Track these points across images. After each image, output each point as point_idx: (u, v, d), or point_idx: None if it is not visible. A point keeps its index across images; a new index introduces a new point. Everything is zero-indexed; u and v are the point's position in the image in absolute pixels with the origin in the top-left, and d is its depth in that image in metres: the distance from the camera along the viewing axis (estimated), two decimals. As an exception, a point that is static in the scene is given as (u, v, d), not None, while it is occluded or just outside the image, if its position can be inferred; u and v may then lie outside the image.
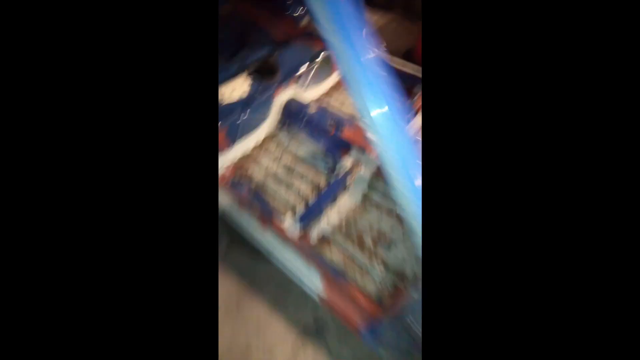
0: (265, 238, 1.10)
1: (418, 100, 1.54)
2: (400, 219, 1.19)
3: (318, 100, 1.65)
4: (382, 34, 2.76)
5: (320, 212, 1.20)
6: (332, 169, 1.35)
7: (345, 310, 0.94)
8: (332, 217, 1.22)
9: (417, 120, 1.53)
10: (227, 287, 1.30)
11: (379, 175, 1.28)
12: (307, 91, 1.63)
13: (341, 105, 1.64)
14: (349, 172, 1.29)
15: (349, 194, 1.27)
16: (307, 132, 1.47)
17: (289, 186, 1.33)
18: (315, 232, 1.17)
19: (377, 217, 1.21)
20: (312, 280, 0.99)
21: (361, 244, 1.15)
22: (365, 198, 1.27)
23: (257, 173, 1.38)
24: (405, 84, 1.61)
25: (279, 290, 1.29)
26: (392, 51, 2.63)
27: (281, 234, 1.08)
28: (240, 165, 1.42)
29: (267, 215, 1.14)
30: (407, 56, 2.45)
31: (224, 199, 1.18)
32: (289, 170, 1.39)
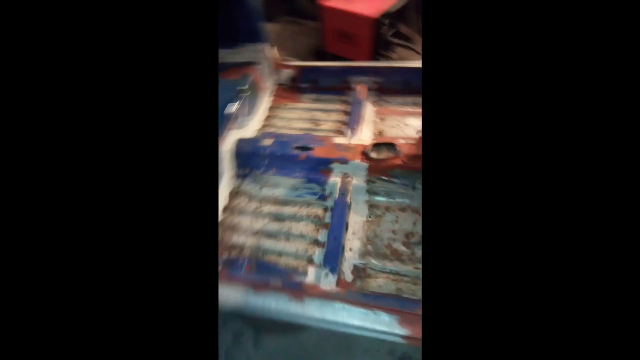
0: (302, 309, 0.90)
1: (362, 90, 1.50)
2: (416, 209, 1.12)
3: (265, 129, 1.48)
4: (287, 41, 2.73)
5: (338, 244, 1.05)
6: (322, 195, 1.21)
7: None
8: (352, 243, 1.08)
9: (369, 108, 1.49)
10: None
11: (372, 176, 1.18)
12: (249, 126, 1.44)
13: (291, 122, 1.51)
14: (343, 189, 1.17)
15: (354, 211, 1.15)
16: (275, 170, 1.29)
17: (288, 236, 1.14)
18: (347, 270, 1.01)
19: (393, 219, 1.12)
20: (380, 323, 0.84)
21: (396, 255, 1.04)
22: (372, 206, 1.16)
23: (244, 239, 1.15)
24: (339, 76, 1.56)
25: (342, 353, 1.09)
26: (303, 53, 2.61)
27: (317, 294, 0.90)
28: (220, 239, 1.17)
29: (287, 280, 0.94)
30: (320, 55, 2.46)
31: (231, 294, 0.92)
32: (278, 218, 1.20)
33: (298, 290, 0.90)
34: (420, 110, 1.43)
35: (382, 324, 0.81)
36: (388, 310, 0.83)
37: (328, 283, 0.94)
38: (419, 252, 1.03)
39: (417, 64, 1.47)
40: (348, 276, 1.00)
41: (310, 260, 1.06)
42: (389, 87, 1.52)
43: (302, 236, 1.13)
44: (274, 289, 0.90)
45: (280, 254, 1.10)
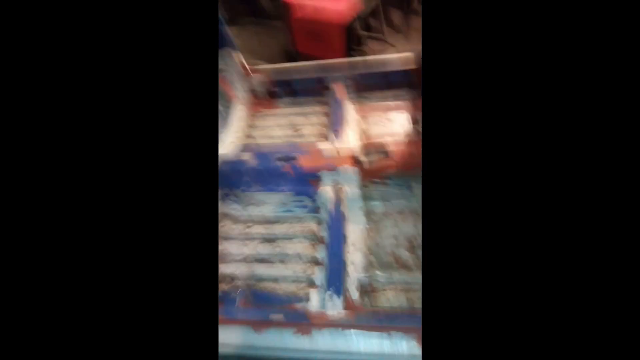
0: (311, 344, 0.80)
1: (340, 90, 1.42)
2: (414, 210, 1.06)
3: (241, 142, 1.36)
4: (252, 44, 2.58)
5: (339, 261, 0.96)
6: (314, 208, 1.11)
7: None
8: (354, 257, 1.00)
9: (349, 107, 1.41)
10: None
11: (364, 181, 1.11)
12: (223, 140, 1.32)
13: (269, 131, 1.39)
14: (336, 199, 1.08)
15: (350, 221, 1.07)
16: (259, 186, 1.18)
17: (283, 258, 1.04)
18: (352, 287, 0.93)
19: (393, 224, 1.05)
20: (398, 347, 0.76)
21: (401, 262, 0.98)
22: (368, 213, 1.09)
23: (233, 269, 1.03)
24: (314, 77, 1.47)
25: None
26: (271, 55, 2.47)
27: (324, 323, 0.81)
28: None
29: (289, 311, 0.84)
30: (290, 56, 2.34)
31: (229, 337, 0.81)
32: (268, 239, 1.09)
33: (303, 322, 0.81)
34: (402, 103, 1.38)
35: (401, 348, 0.73)
36: (404, 330, 0.76)
37: (334, 307, 0.86)
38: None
39: (395, 56, 1.41)
40: (354, 294, 0.92)
41: (311, 283, 0.96)
42: (367, 83, 1.45)
43: (298, 256, 1.03)
44: (277, 325, 0.80)
45: (276, 279, 1.00)
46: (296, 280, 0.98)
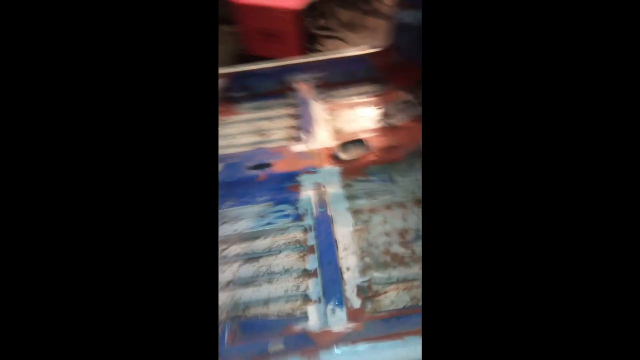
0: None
1: (306, 89, 1.35)
2: (401, 203, 1.03)
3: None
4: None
5: (334, 268, 0.88)
6: (297, 215, 1.02)
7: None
8: (348, 261, 0.93)
9: (317, 106, 1.36)
10: None
11: (347, 179, 1.05)
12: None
13: (234, 139, 1.27)
14: (320, 203, 1.00)
15: (338, 224, 1.00)
16: (233, 200, 1.05)
17: (270, 277, 0.92)
18: (352, 295, 0.86)
19: (382, 221, 1.01)
20: (415, 351, 0.71)
21: (397, 259, 0.93)
22: (355, 213, 1.03)
23: (220, 294, 0.89)
24: (275, 78, 1.39)
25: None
26: (222, 60, 2.32)
27: (332, 340, 0.72)
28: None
29: (288, 336, 0.74)
30: (243, 59, 2.21)
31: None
32: (251, 258, 0.96)
33: (308, 346, 0.71)
34: (371, 99, 1.36)
35: (418, 352, 0.68)
36: (417, 332, 0.70)
37: (338, 321, 0.77)
38: (418, 249, 0.94)
39: (357, 52, 1.40)
40: (355, 302, 0.84)
41: (306, 299, 0.87)
42: (332, 80, 1.41)
43: (286, 271, 0.93)
44: (278, 356, 0.69)
45: (266, 302, 0.88)
46: (289, 299, 0.88)
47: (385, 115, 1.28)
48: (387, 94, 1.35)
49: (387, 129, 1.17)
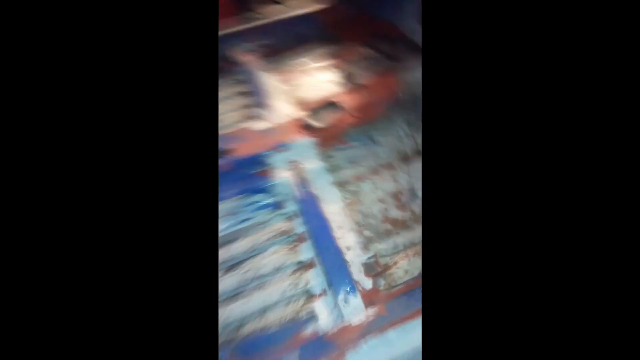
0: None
1: (252, 60, 1.15)
2: (387, 164, 0.93)
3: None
4: None
5: (335, 252, 0.76)
6: (277, 203, 0.86)
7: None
8: (346, 240, 0.80)
9: (270, 77, 1.18)
10: None
11: (325, 149, 0.91)
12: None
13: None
14: (301, 183, 0.85)
15: (325, 202, 0.86)
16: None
17: (262, 282, 0.76)
18: (360, 276, 0.74)
19: (372, 187, 0.90)
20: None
21: (398, 223, 0.84)
22: (341, 185, 0.90)
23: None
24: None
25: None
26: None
27: (356, 335, 0.60)
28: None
29: (300, 345, 0.60)
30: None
31: None
32: (234, 265, 0.78)
33: (329, 350, 0.57)
34: (329, 61, 1.22)
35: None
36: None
37: (355, 310, 0.65)
38: (417, 208, 0.85)
39: (302, 11, 1.23)
40: (366, 283, 0.73)
41: (308, 294, 0.73)
42: (282, 46, 1.23)
43: (278, 270, 0.77)
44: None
45: (262, 312, 0.72)
46: (289, 301, 0.73)
47: (349, 76, 1.15)
48: (344, 52, 1.22)
49: (355, 89, 1.05)
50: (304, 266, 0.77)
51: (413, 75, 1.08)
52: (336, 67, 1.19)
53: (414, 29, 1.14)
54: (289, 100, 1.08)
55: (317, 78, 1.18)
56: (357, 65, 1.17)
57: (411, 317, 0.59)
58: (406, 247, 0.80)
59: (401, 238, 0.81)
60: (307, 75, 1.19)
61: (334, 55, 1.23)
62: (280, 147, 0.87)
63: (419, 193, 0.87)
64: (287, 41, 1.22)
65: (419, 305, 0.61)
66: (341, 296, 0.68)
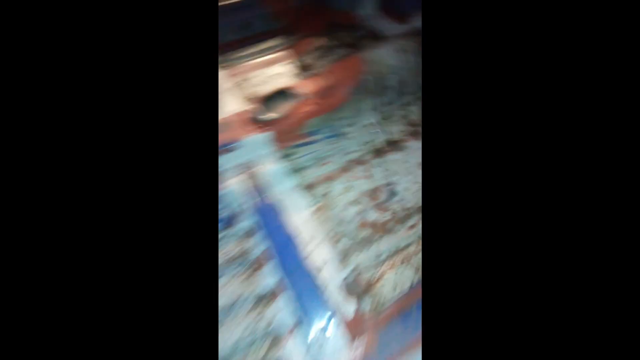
0: None
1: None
2: (359, 159, 0.80)
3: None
4: None
5: (304, 273, 0.59)
6: (229, 218, 0.67)
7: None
8: (319, 254, 0.64)
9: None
10: None
11: (283, 146, 0.75)
12: None
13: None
14: (255, 188, 0.68)
15: (290, 210, 0.70)
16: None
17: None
18: (340, 297, 0.58)
19: (344, 187, 0.76)
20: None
21: (379, 227, 0.70)
22: (308, 187, 0.74)
23: None
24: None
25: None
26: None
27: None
28: None
29: None
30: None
31: None
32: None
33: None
34: (280, 54, 1.09)
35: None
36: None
37: (338, 348, 0.48)
38: (397, 207, 0.73)
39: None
40: (349, 309, 0.57)
41: (275, 336, 0.54)
42: (224, 40, 1.07)
43: (232, 307, 0.58)
44: None
45: (250, 346, 0.52)
46: (249, 349, 0.54)
47: (303, 67, 1.02)
48: (296, 44, 1.09)
49: (310, 76, 0.92)
50: (266, 297, 0.59)
51: (376, 53, 0.98)
52: (291, 57, 1.06)
53: (372, 15, 1.06)
54: (236, 98, 0.91)
55: (267, 72, 1.03)
56: (311, 57, 1.05)
57: (408, 349, 0.45)
58: (391, 255, 0.66)
59: (384, 244, 0.67)
60: (256, 69, 1.04)
61: (284, 48, 1.10)
62: (225, 147, 0.69)
63: (398, 189, 0.75)
64: (231, 33, 1.07)
65: (418, 331, 0.46)
66: (317, 331, 0.51)
